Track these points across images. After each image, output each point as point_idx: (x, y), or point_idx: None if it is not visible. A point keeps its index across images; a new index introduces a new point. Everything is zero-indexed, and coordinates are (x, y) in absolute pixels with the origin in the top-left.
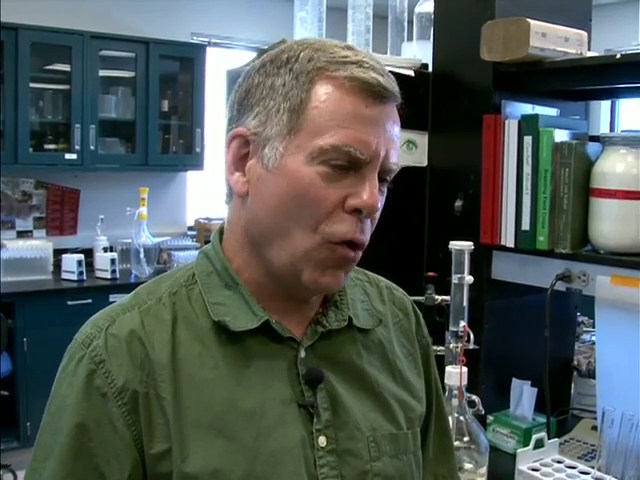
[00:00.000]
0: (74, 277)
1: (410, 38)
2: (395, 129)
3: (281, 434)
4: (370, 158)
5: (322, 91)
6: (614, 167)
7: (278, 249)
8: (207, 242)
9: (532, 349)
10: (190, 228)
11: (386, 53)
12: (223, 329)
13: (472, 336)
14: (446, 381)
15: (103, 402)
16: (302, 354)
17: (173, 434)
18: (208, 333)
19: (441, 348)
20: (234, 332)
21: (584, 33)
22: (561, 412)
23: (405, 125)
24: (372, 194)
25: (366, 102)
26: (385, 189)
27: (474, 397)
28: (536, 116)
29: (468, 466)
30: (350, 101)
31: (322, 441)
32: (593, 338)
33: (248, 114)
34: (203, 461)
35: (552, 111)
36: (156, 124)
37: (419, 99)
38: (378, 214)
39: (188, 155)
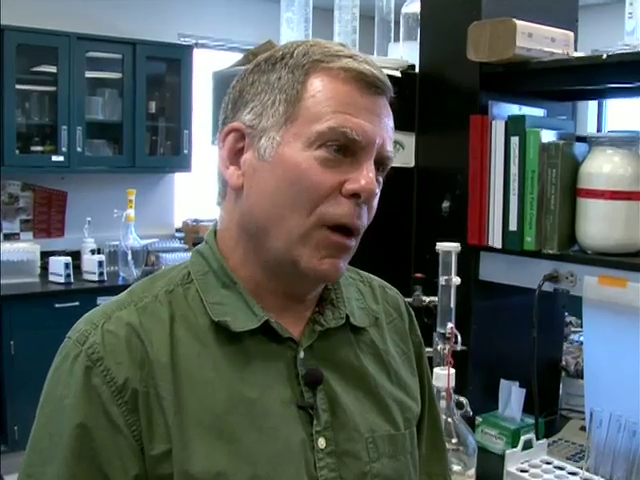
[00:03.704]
0: (61, 280)
1: (397, 39)
2: (389, 122)
3: (282, 436)
4: (366, 143)
5: (318, 81)
6: (601, 167)
7: (274, 238)
8: (195, 244)
9: (520, 350)
10: (178, 230)
11: (373, 54)
12: (222, 329)
13: (460, 337)
14: (434, 383)
15: (102, 401)
16: (301, 355)
17: (174, 435)
18: (207, 333)
19: (429, 350)
20: (234, 332)
21: (570, 33)
22: (549, 413)
23: None
24: (370, 179)
25: (361, 92)
26: (381, 180)
27: (462, 399)
28: (523, 117)
29: (456, 468)
30: (345, 90)
31: (322, 443)
32: (581, 338)
33: (243, 110)
34: (205, 463)
35: (539, 111)
36: (143, 126)
37: (406, 100)
38: (375, 203)
39: (176, 157)
